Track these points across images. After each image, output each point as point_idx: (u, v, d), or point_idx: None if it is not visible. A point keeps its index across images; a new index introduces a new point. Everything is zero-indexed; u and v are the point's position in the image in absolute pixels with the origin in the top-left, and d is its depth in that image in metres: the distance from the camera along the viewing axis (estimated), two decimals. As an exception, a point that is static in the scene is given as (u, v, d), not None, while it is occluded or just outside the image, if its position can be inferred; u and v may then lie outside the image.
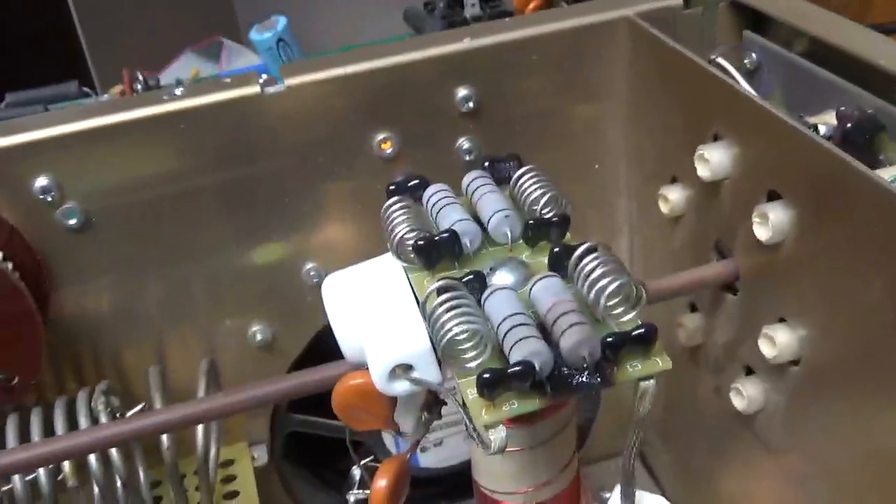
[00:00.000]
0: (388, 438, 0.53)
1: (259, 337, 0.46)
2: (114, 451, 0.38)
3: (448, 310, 0.28)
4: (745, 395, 0.39)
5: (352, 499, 0.37)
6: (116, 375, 0.45)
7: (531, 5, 0.59)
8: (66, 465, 0.38)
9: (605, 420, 0.56)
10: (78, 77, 0.60)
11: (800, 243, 0.34)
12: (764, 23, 0.44)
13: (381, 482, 0.35)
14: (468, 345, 0.28)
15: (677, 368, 0.48)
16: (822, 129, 0.38)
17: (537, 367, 0.27)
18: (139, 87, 0.58)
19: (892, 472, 0.33)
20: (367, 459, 0.38)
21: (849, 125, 0.36)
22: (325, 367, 0.36)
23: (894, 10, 0.90)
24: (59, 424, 0.38)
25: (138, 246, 0.43)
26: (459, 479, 0.54)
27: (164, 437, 0.39)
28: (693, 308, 0.45)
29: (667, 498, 0.55)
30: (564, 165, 0.47)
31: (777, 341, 0.36)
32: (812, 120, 0.39)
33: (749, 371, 0.40)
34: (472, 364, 0.28)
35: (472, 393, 0.28)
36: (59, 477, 0.38)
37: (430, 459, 0.54)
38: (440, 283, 0.30)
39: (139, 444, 0.42)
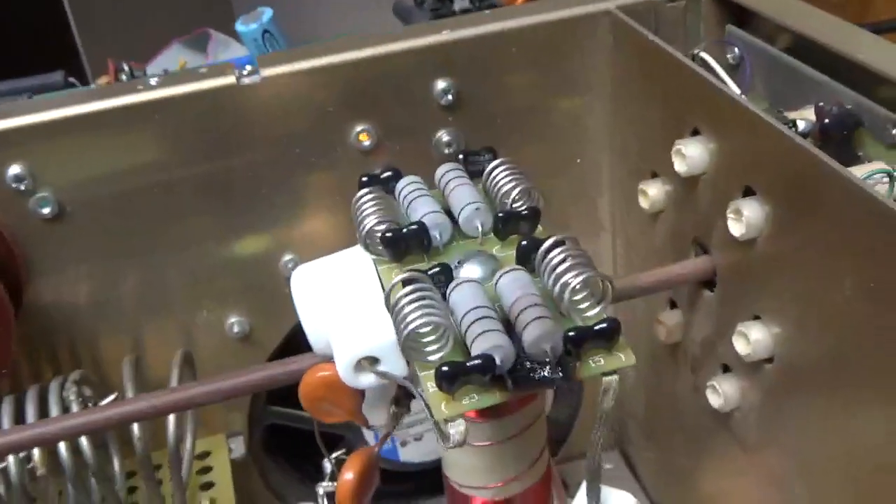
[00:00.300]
0: (368, 432, 0.52)
1: (237, 329, 0.46)
2: (84, 441, 0.38)
3: (410, 302, 0.28)
4: (721, 392, 0.39)
5: (321, 490, 0.36)
6: (93, 365, 0.45)
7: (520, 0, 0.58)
8: (36, 453, 0.38)
9: (587, 417, 0.56)
10: (70, 67, 0.60)
11: (773, 240, 0.34)
12: (747, 18, 0.44)
13: (348, 475, 0.34)
14: (430, 338, 0.28)
15: (658, 366, 0.48)
16: (801, 125, 0.38)
17: (498, 361, 0.27)
18: (124, 77, 0.58)
19: (865, 471, 0.32)
20: (339, 452, 0.37)
21: (827, 121, 0.36)
22: (293, 360, 0.36)
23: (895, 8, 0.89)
24: (30, 412, 0.38)
25: (114, 236, 0.43)
26: (440, 474, 0.53)
27: (135, 427, 0.39)
28: (673, 305, 0.44)
29: (648, 495, 0.55)
30: (546, 160, 0.47)
31: (751, 339, 0.35)
32: (791, 115, 0.38)
33: (726, 369, 0.40)
34: (434, 357, 0.28)
35: (432, 386, 0.27)
36: (30, 465, 0.38)
37: (411, 454, 0.54)
38: (405, 274, 0.29)
39: (113, 435, 0.42)
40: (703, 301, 0.41)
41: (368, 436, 0.52)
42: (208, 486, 0.46)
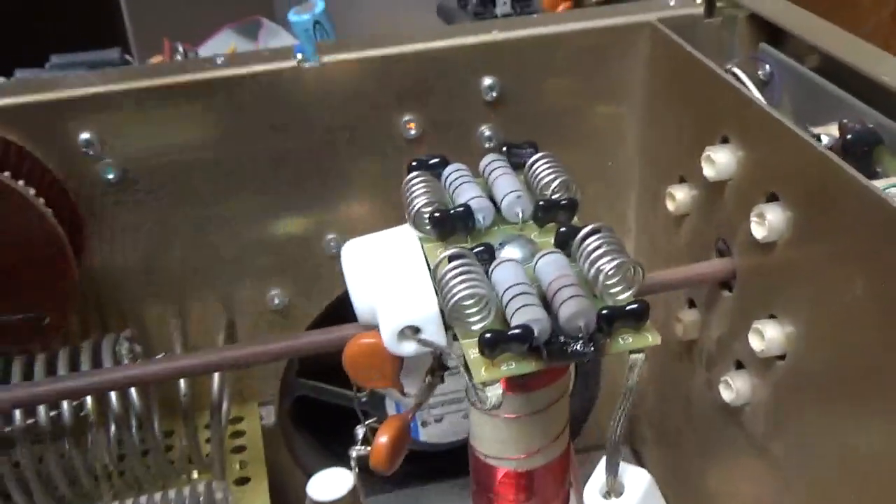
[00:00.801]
0: (390, 409, 0.55)
1: (276, 301, 0.49)
2: (133, 392, 0.41)
3: (457, 275, 0.31)
4: (734, 387, 0.41)
5: (353, 454, 0.38)
6: (139, 328, 0.48)
7: (560, 7, 0.61)
8: (89, 401, 0.40)
9: (604, 410, 0.58)
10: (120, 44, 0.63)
11: (793, 244, 0.36)
12: (780, 36, 0.46)
13: (383, 438, 0.37)
14: (474, 309, 0.30)
15: (672, 362, 0.50)
16: (825, 140, 0.40)
17: (536, 333, 0.29)
18: (178, 57, 0.60)
19: (865, 472, 0.34)
20: (372, 420, 0.40)
21: (849, 136, 0.38)
22: (337, 328, 0.39)
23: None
24: (86, 364, 0.41)
25: (169, 205, 0.45)
26: (458, 455, 0.55)
27: (182, 383, 0.41)
28: (691, 304, 0.46)
29: (655, 490, 0.57)
30: (580, 161, 0.49)
31: (766, 336, 0.38)
32: (816, 130, 0.41)
33: (739, 366, 0.42)
34: (476, 326, 0.30)
35: (473, 352, 0.30)
36: (83, 413, 0.40)
37: (431, 434, 0.57)
38: (452, 250, 0.32)
39: (156, 395, 0.45)
40: (721, 300, 0.43)
41: (391, 411, 0.55)
42: (240, 449, 0.49)
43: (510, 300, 0.30)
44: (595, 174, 0.50)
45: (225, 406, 0.47)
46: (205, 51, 0.67)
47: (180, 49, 0.61)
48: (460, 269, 0.31)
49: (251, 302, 0.49)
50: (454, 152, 0.41)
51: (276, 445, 0.52)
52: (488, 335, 0.29)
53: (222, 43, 0.72)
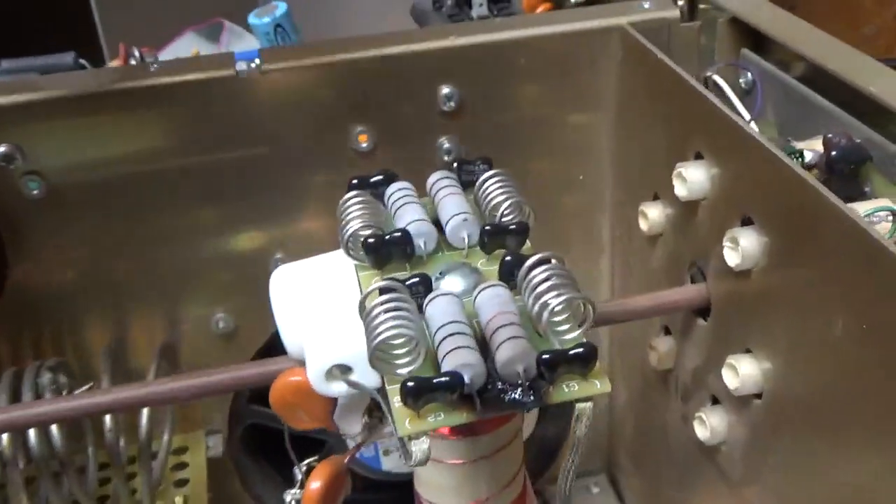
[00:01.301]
0: (351, 441, 0.52)
1: (222, 325, 0.45)
2: (54, 429, 0.37)
3: (383, 311, 0.27)
4: (708, 425, 0.38)
5: (288, 498, 0.35)
6: (75, 352, 0.45)
7: (539, 8, 0.57)
8: (4, 438, 0.37)
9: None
10: (89, 50, 0.60)
11: (769, 272, 0.33)
12: (763, 43, 0.43)
13: (315, 484, 0.33)
14: (400, 350, 0.27)
15: (649, 391, 0.47)
16: (808, 156, 0.37)
17: (467, 380, 0.26)
18: (133, 62, 0.57)
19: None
20: (311, 459, 0.36)
21: (834, 153, 0.35)
22: (268, 361, 0.35)
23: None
24: (2, 397, 0.37)
25: (103, 223, 0.42)
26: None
27: (107, 419, 0.38)
28: (667, 331, 0.43)
29: (633, 523, 0.54)
30: (548, 175, 0.46)
31: (740, 372, 0.34)
32: (799, 145, 0.37)
33: (715, 401, 0.39)
34: (403, 370, 0.27)
35: (397, 401, 0.26)
36: (-3, 450, 0.37)
37: (393, 464, 0.53)
38: (381, 283, 0.29)
39: (89, 425, 0.42)
40: (696, 329, 0.40)
41: (351, 441, 0.51)
42: (183, 483, 0.45)
43: (442, 341, 0.27)
44: (565, 189, 0.47)
45: (165, 437, 0.43)
46: (166, 55, 0.64)
47: (136, 54, 0.58)
48: (388, 306, 0.28)
49: (195, 326, 0.46)
50: (411, 167, 0.38)
51: (222, 477, 0.49)
52: (410, 384, 0.25)
53: (185, 46, 0.68)
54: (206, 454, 0.47)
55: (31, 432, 0.37)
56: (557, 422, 0.55)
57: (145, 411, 0.39)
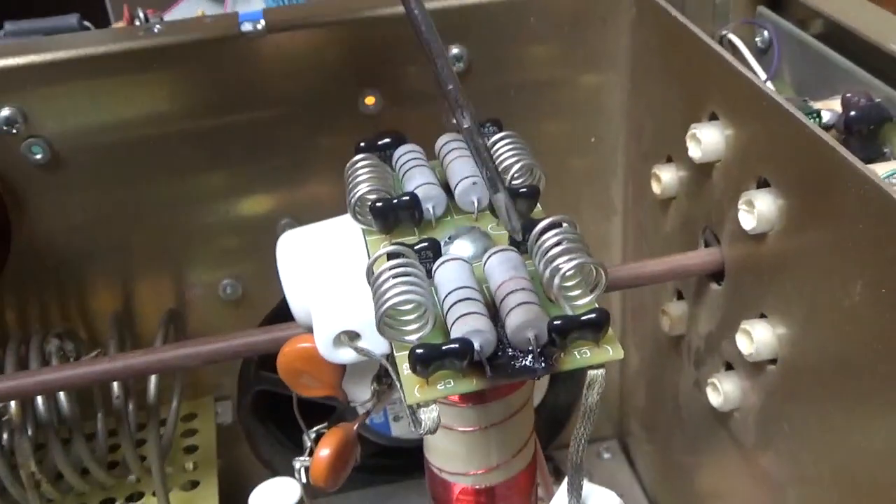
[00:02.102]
0: (361, 408, 0.51)
1: (229, 291, 0.45)
2: (62, 396, 0.37)
3: (391, 277, 0.27)
4: (722, 391, 0.38)
5: (297, 465, 0.35)
6: (82, 318, 0.44)
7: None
8: (13, 405, 0.37)
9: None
10: (93, 11, 0.59)
11: (785, 236, 0.32)
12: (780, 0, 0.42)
13: (324, 451, 0.33)
14: (408, 316, 0.27)
15: (661, 357, 0.46)
16: (826, 116, 0.36)
17: (477, 346, 0.25)
18: (138, 24, 0.56)
19: (862, 482, 0.31)
20: (320, 427, 0.36)
21: (853, 112, 0.34)
22: (277, 328, 0.35)
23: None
24: (9, 364, 0.37)
25: (108, 188, 0.42)
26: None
27: (115, 386, 0.38)
28: (680, 296, 0.43)
29: (644, 488, 0.54)
30: (560, 137, 0.45)
31: (755, 338, 0.34)
32: (817, 105, 0.36)
33: (728, 367, 0.38)
34: (412, 337, 0.26)
35: (406, 368, 0.26)
36: (4, 417, 0.37)
37: (403, 429, 0.53)
38: (389, 248, 0.28)
39: (98, 392, 0.41)
40: (709, 294, 0.39)
41: (360, 408, 0.51)
42: (192, 449, 0.45)
43: (451, 307, 0.27)
44: (577, 151, 0.46)
45: (174, 403, 0.43)
46: (171, 16, 0.63)
47: (141, 15, 0.57)
48: (396, 271, 0.27)
49: (203, 291, 0.45)
50: (419, 130, 0.37)
51: (231, 444, 0.48)
52: (419, 350, 0.25)
53: (190, 8, 0.67)
54: (216, 420, 0.46)
55: (39, 399, 0.37)
56: (569, 388, 0.54)
57: (153, 378, 0.39)
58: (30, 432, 0.37)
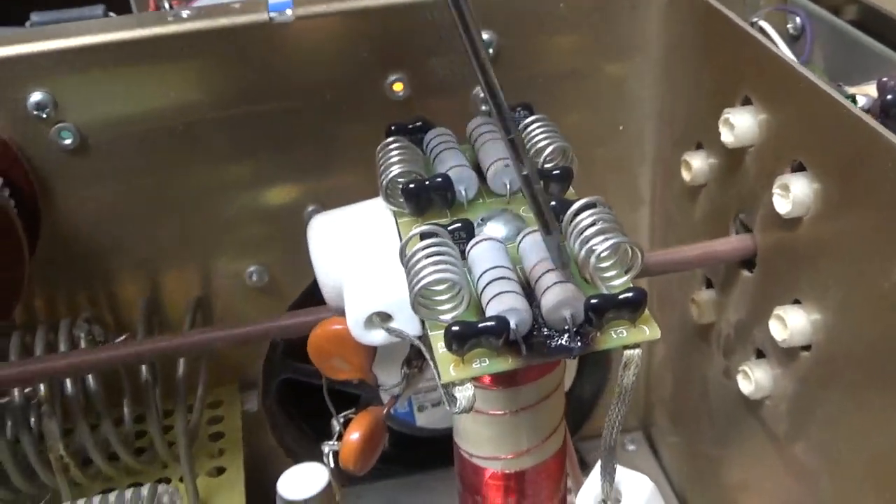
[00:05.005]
0: (384, 392, 0.51)
1: (255, 278, 0.45)
2: (90, 379, 0.37)
3: (425, 256, 0.27)
4: (753, 378, 0.37)
5: (326, 449, 0.35)
6: (109, 305, 0.44)
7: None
8: (42, 388, 0.37)
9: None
10: (118, 2, 0.59)
11: (821, 220, 0.32)
12: (812, -15, 0.41)
13: (354, 435, 0.33)
14: (443, 296, 0.26)
15: (689, 347, 0.46)
16: (861, 101, 0.35)
17: (513, 325, 0.25)
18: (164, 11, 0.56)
19: (897, 473, 0.30)
20: (348, 412, 0.36)
21: (889, 97, 0.34)
22: (306, 311, 0.35)
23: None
24: (38, 347, 0.37)
25: (136, 174, 0.42)
26: (456, 442, 0.52)
27: (143, 369, 0.38)
28: (709, 284, 0.42)
29: (669, 480, 0.53)
30: (587, 125, 0.45)
31: (789, 323, 0.33)
32: (851, 90, 0.36)
33: (760, 354, 0.38)
34: (447, 316, 0.26)
35: (441, 346, 0.26)
36: (34, 400, 0.37)
37: (427, 419, 0.53)
38: (422, 228, 0.28)
39: (126, 378, 0.41)
40: (740, 281, 0.39)
41: (385, 395, 0.51)
42: (218, 436, 0.45)
43: (486, 286, 0.26)
44: (604, 140, 0.45)
45: (200, 390, 0.43)
46: (199, 4, 0.63)
47: (165, 5, 0.57)
48: (430, 251, 0.27)
49: (228, 279, 0.45)
50: (447, 117, 0.37)
51: (257, 431, 0.48)
52: (455, 328, 0.25)
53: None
54: (242, 408, 0.46)
55: (68, 383, 0.37)
56: (594, 379, 0.54)
57: (181, 362, 0.39)
58: (59, 416, 0.37)
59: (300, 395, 0.51)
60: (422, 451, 0.54)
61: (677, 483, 0.53)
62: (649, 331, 0.26)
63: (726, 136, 0.36)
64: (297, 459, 0.51)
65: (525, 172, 0.25)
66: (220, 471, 0.43)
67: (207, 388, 0.44)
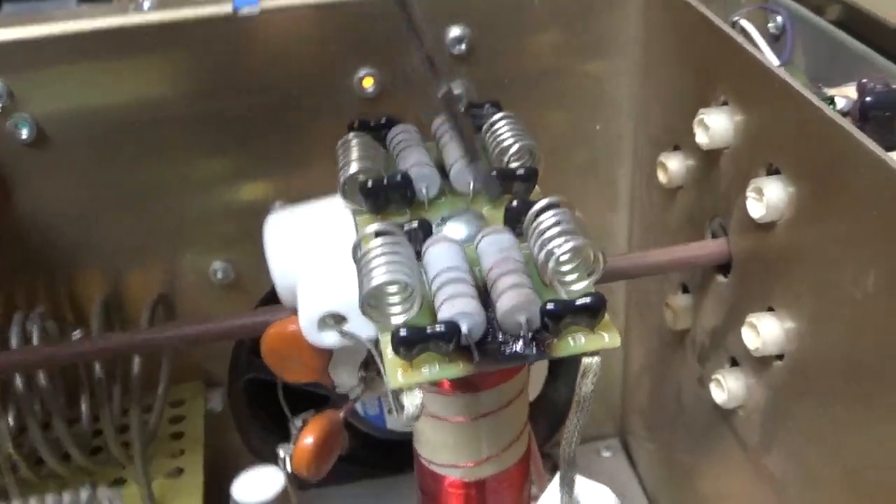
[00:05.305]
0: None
1: (220, 275, 0.44)
2: (41, 376, 0.36)
3: (377, 256, 0.25)
4: (726, 387, 0.36)
5: (282, 453, 0.34)
6: (70, 302, 0.43)
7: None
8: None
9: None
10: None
11: (795, 225, 0.31)
12: (795, -16, 0.40)
13: (308, 439, 0.32)
14: (394, 297, 0.25)
15: (665, 353, 0.45)
16: (841, 103, 0.34)
17: (465, 330, 0.24)
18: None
19: (870, 486, 0.29)
20: (306, 414, 0.35)
21: (868, 98, 0.33)
22: (263, 311, 0.34)
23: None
24: (-10, 342, 0.36)
25: (97, 169, 0.40)
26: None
27: (97, 367, 0.37)
28: (685, 289, 0.41)
29: (644, 487, 0.52)
30: (564, 124, 0.44)
31: (761, 332, 0.32)
32: (831, 92, 0.35)
33: (734, 362, 0.37)
34: (398, 319, 0.25)
35: (390, 351, 0.25)
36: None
37: (397, 422, 0.52)
38: (376, 226, 0.27)
39: (84, 376, 0.40)
40: (715, 286, 0.38)
41: (349, 394, 0.50)
42: (178, 435, 0.44)
43: (439, 288, 0.25)
44: (581, 140, 0.44)
45: (161, 388, 0.42)
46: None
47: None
48: (382, 250, 0.26)
49: (193, 276, 0.44)
50: (417, 114, 0.36)
51: (222, 428, 0.47)
52: (403, 332, 0.24)
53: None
54: (206, 407, 0.45)
55: (19, 381, 0.36)
56: (569, 383, 0.53)
57: (136, 360, 0.38)
58: (10, 415, 0.36)
59: (267, 394, 0.50)
60: (391, 453, 0.53)
61: (651, 490, 0.52)
62: (608, 338, 0.25)
63: (701, 137, 0.35)
64: (264, 460, 0.50)
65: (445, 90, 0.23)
66: (180, 471, 0.42)
67: (169, 387, 0.42)
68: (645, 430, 0.51)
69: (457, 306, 0.24)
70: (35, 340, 0.37)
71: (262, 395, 0.50)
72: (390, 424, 0.52)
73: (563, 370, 0.53)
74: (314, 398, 0.46)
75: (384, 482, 0.53)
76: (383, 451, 0.53)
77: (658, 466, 0.50)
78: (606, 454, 0.54)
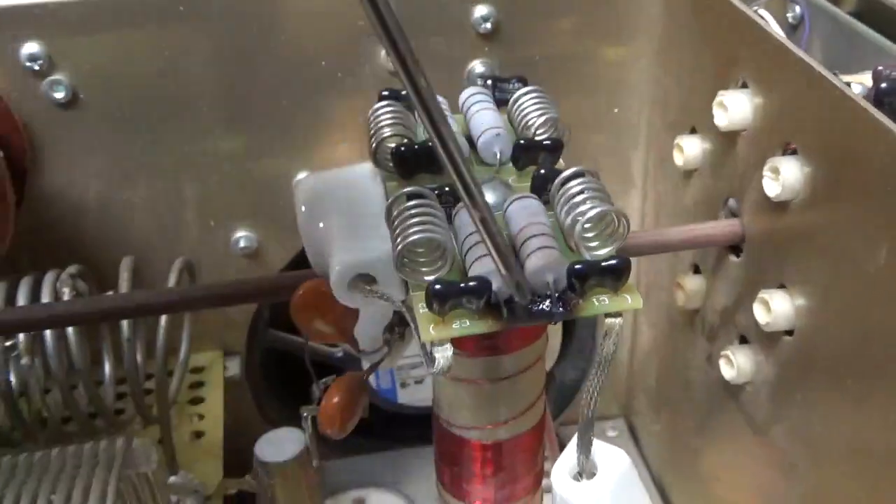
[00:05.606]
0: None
1: (242, 244, 0.45)
2: (71, 333, 0.37)
3: (411, 216, 0.26)
4: (735, 363, 0.37)
5: (305, 413, 0.35)
6: (94, 265, 0.44)
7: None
8: (21, 338, 0.37)
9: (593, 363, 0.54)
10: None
11: (809, 204, 0.32)
12: (814, -26, 0.41)
13: (334, 399, 0.33)
14: (427, 256, 0.26)
15: (672, 332, 0.46)
16: (856, 90, 0.35)
17: (495, 287, 0.25)
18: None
19: (878, 468, 0.30)
20: (329, 378, 0.36)
21: (883, 85, 0.33)
22: (290, 274, 0.35)
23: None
24: (21, 297, 0.37)
25: (127, 134, 0.42)
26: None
27: (125, 326, 0.38)
28: (696, 270, 0.42)
29: (649, 467, 0.53)
30: (582, 107, 0.45)
31: (772, 307, 0.33)
32: (847, 79, 0.36)
33: (743, 340, 0.38)
34: (430, 277, 0.26)
35: (422, 306, 0.26)
36: (15, 353, 0.37)
37: (409, 396, 0.53)
38: (409, 189, 0.28)
39: (108, 338, 0.41)
40: (727, 266, 0.39)
41: (371, 359, 0.51)
42: (198, 400, 0.45)
43: (469, 249, 0.26)
44: (598, 123, 0.45)
45: (182, 354, 0.43)
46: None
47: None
48: (415, 210, 0.27)
49: (216, 244, 0.45)
50: (442, 89, 0.37)
51: (239, 396, 0.48)
52: (437, 286, 0.25)
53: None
54: (224, 375, 0.46)
55: (48, 337, 0.37)
56: (576, 364, 0.54)
57: (163, 321, 0.39)
58: (38, 370, 0.37)
59: (283, 365, 0.51)
60: (402, 427, 0.54)
61: (656, 470, 0.53)
62: (631, 299, 0.26)
63: (720, 119, 0.36)
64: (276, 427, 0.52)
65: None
66: (199, 435, 0.43)
67: (189, 353, 0.43)
68: (650, 411, 0.52)
69: (487, 265, 0.25)
70: (66, 297, 0.37)
71: (278, 366, 0.52)
72: (402, 399, 0.53)
73: (571, 353, 0.54)
74: (328, 370, 0.47)
75: (391, 454, 0.54)
76: (393, 425, 0.54)
77: (663, 446, 0.51)
78: (612, 434, 0.55)
